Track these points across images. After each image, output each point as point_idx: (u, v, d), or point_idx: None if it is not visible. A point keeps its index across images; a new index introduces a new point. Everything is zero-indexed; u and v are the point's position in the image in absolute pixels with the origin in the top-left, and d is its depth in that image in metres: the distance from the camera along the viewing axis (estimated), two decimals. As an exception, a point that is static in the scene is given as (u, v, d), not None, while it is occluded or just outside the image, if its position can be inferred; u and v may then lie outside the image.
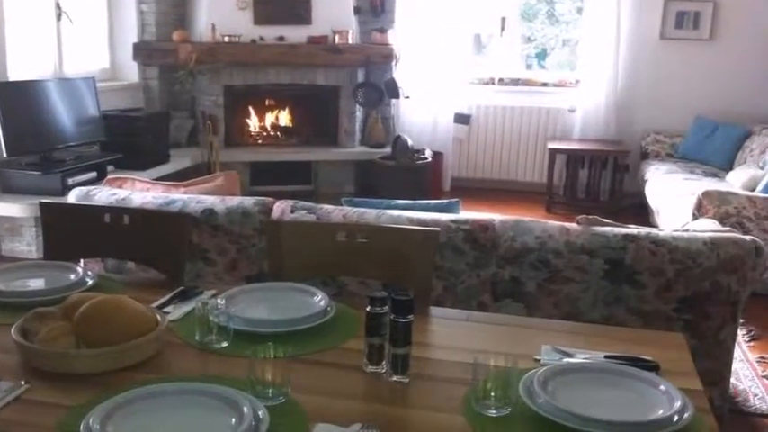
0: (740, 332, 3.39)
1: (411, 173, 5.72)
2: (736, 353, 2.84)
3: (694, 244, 2.32)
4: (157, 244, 2.00)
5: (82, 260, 2.13)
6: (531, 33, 6.67)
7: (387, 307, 1.42)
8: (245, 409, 1.21)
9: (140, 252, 2.06)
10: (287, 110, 6.27)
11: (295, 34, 5.78)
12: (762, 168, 4.76)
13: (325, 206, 2.59)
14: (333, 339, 1.57)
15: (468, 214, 2.54)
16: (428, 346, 1.57)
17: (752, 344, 3.43)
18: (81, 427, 1.16)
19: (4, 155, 4.14)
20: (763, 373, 3.12)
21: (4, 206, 4.01)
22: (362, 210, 2.54)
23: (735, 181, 4.76)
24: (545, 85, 6.44)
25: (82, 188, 2.82)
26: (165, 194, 2.75)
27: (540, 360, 1.47)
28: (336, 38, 5.81)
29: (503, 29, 6.48)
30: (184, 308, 1.69)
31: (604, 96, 6.14)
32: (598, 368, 1.40)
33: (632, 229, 2.41)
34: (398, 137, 5.83)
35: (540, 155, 6.38)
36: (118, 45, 5.70)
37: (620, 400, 1.32)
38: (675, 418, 1.23)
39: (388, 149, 5.95)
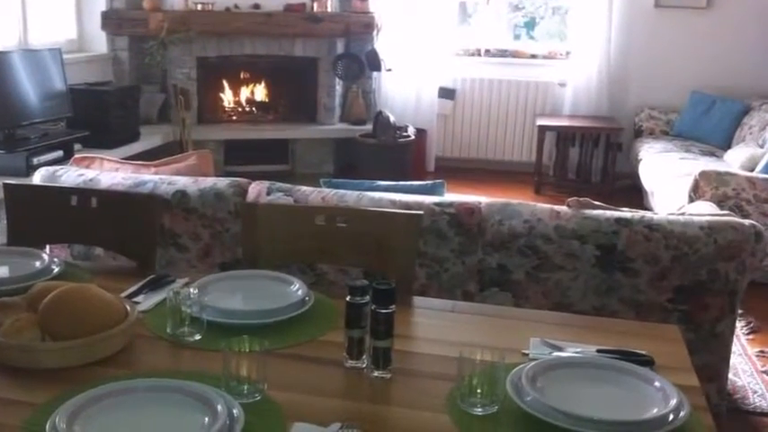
0: (739, 324, 3.28)
1: (393, 151, 5.62)
2: (735, 346, 2.77)
3: (691, 229, 2.25)
4: (127, 228, 1.95)
5: (48, 246, 2.06)
6: (518, 1, 6.53)
7: (367, 297, 1.38)
8: (219, 407, 1.18)
9: (109, 237, 2.01)
10: (263, 84, 6.14)
11: (271, 2, 5.64)
12: (761, 147, 4.67)
13: (303, 188, 2.54)
14: (311, 332, 1.53)
15: (453, 196, 2.50)
16: (411, 338, 1.54)
17: (751, 336, 3.35)
18: (47, 426, 1.13)
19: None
20: (763, 369, 3.05)
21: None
22: (342, 192, 2.49)
23: (733, 160, 4.63)
24: (534, 56, 6.28)
25: (48, 168, 2.75)
26: (135, 175, 2.69)
27: (528, 354, 1.44)
28: (315, 6, 5.68)
29: (489, -5, 6.34)
30: (155, 297, 1.65)
31: (596, 69, 5.98)
32: (589, 363, 1.37)
33: (625, 213, 2.35)
34: (380, 113, 5.71)
35: (529, 132, 6.23)
36: (85, 13, 5.52)
37: (612, 397, 1.29)
38: (671, 416, 1.20)
39: (369, 126, 5.84)
